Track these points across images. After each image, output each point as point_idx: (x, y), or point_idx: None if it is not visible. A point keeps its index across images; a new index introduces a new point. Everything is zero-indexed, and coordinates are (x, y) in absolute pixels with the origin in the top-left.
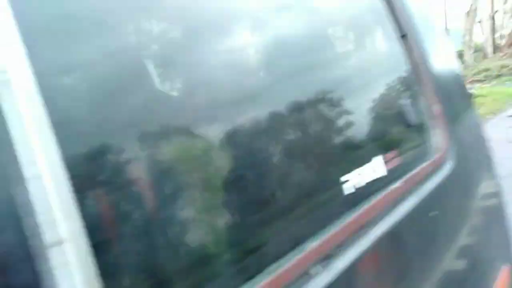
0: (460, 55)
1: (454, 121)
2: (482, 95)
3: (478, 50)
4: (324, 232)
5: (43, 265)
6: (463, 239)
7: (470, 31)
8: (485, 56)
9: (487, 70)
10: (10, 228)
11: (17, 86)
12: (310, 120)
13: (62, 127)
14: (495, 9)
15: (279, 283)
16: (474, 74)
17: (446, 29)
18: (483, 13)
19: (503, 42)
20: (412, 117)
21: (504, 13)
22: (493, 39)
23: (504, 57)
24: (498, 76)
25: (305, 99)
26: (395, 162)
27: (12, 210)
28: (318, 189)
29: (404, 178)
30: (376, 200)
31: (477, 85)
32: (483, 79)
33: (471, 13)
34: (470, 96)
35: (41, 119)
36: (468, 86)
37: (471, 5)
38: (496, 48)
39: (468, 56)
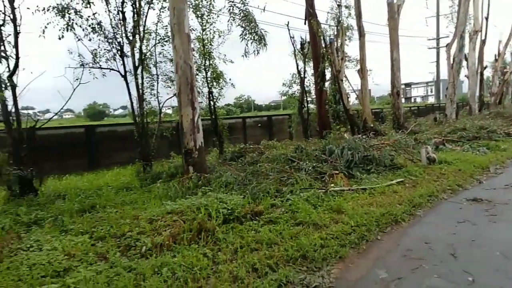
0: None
1: None
2: (446, 162)
3: (466, 104)
4: None
5: None
6: None
7: (453, 84)
8: (470, 113)
9: (463, 129)
10: None
11: None
12: None
13: None
14: (484, 64)
15: None
16: (449, 133)
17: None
18: (472, 68)
19: (492, 99)
20: None
21: (494, 70)
22: (481, 96)
23: (489, 116)
24: (475, 138)
25: None
26: None
27: None
28: None
29: None
30: None
31: (449, 146)
32: (457, 139)
33: (455, 66)
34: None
35: None
36: (440, 145)
37: (454, 57)
38: (484, 105)
39: (450, 110)
